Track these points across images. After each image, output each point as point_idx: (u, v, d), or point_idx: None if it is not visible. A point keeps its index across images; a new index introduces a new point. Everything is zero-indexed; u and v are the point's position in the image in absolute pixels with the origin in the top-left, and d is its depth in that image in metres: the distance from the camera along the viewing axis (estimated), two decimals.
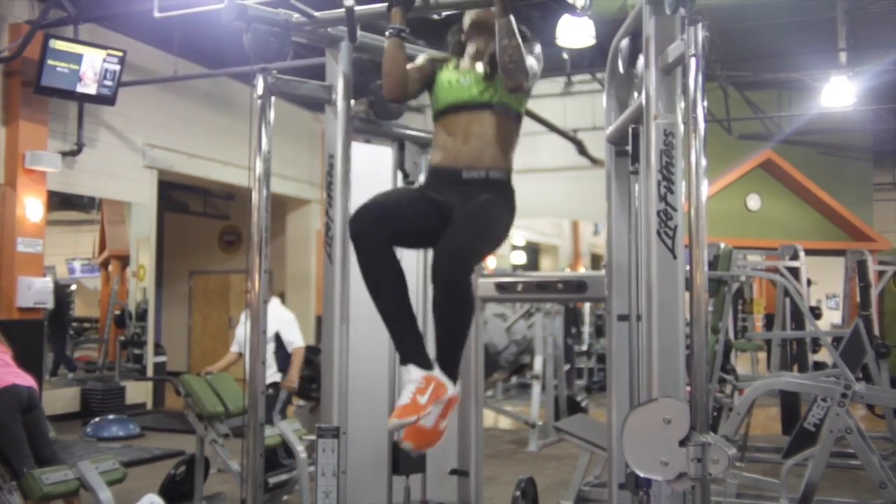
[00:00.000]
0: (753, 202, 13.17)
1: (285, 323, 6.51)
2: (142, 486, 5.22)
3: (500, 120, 2.99)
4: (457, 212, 2.85)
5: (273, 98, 3.07)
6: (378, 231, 2.82)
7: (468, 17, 3.11)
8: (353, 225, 2.86)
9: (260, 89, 3.00)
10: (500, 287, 3.50)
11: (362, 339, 3.18)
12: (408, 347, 2.82)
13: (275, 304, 6.52)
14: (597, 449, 5.62)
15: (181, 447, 7.38)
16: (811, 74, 11.72)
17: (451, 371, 2.82)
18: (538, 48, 3.05)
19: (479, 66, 3.04)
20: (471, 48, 3.10)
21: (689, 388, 2.34)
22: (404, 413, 2.70)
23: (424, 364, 2.79)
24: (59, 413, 9.31)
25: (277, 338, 6.46)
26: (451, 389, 2.80)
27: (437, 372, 2.78)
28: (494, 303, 8.96)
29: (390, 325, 2.85)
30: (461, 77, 3.05)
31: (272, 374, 6.37)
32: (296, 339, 6.57)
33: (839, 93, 11.20)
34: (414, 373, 2.76)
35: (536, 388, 8.63)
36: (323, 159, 3.17)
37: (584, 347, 12.56)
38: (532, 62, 2.94)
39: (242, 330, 6.31)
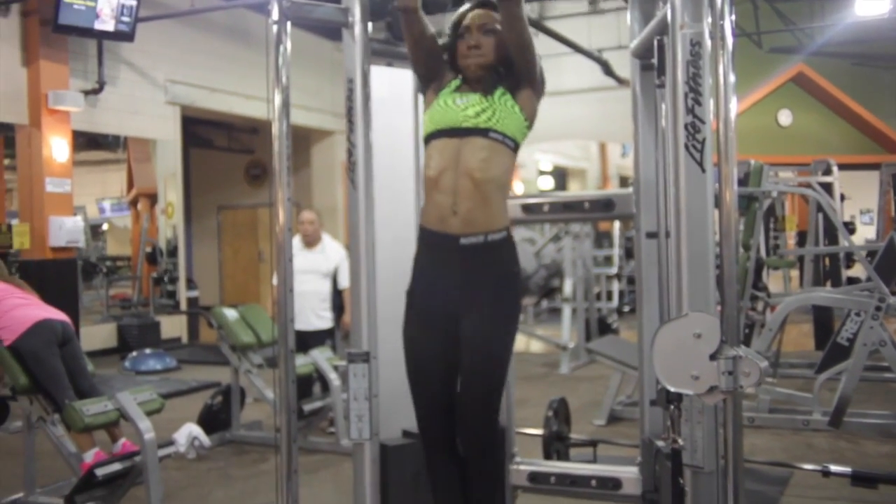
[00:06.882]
0: (785, 117, 12.92)
1: (344, 258, 5.90)
2: (180, 416, 5.33)
3: (496, 153, 2.70)
4: (462, 325, 2.70)
5: (290, 25, 3.00)
6: (447, 449, 2.84)
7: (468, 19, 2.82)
8: (426, 452, 2.88)
9: (275, 14, 2.93)
10: (527, 209, 3.46)
11: (388, 264, 3.16)
12: None
13: (328, 238, 6.08)
14: (628, 368, 5.65)
15: (217, 378, 7.53)
16: None
17: None
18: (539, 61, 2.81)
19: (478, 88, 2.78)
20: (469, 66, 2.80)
21: (719, 306, 2.31)
22: None
23: None
24: (98, 349, 9.52)
25: (334, 277, 6.02)
26: None
27: None
28: (523, 227, 8.94)
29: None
30: (458, 98, 2.79)
31: (329, 319, 6.02)
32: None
33: (874, 0, 10.83)
34: None
35: (567, 310, 8.68)
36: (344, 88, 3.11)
37: (615, 270, 12.55)
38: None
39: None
